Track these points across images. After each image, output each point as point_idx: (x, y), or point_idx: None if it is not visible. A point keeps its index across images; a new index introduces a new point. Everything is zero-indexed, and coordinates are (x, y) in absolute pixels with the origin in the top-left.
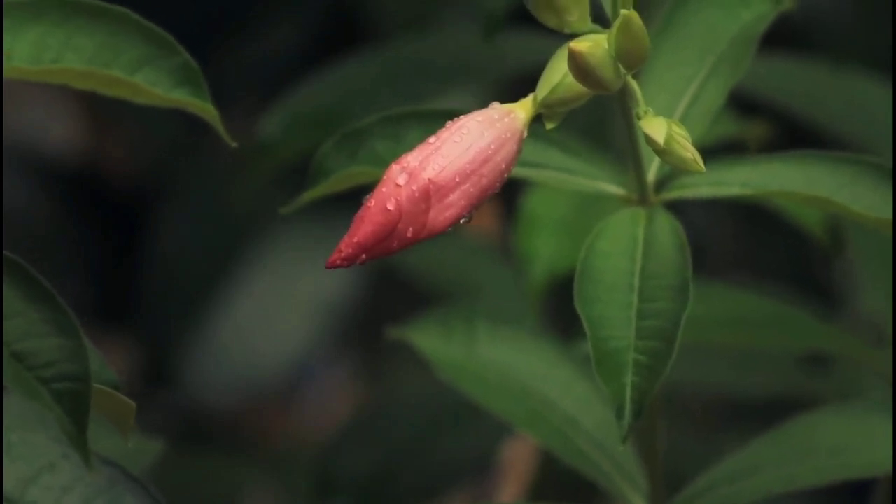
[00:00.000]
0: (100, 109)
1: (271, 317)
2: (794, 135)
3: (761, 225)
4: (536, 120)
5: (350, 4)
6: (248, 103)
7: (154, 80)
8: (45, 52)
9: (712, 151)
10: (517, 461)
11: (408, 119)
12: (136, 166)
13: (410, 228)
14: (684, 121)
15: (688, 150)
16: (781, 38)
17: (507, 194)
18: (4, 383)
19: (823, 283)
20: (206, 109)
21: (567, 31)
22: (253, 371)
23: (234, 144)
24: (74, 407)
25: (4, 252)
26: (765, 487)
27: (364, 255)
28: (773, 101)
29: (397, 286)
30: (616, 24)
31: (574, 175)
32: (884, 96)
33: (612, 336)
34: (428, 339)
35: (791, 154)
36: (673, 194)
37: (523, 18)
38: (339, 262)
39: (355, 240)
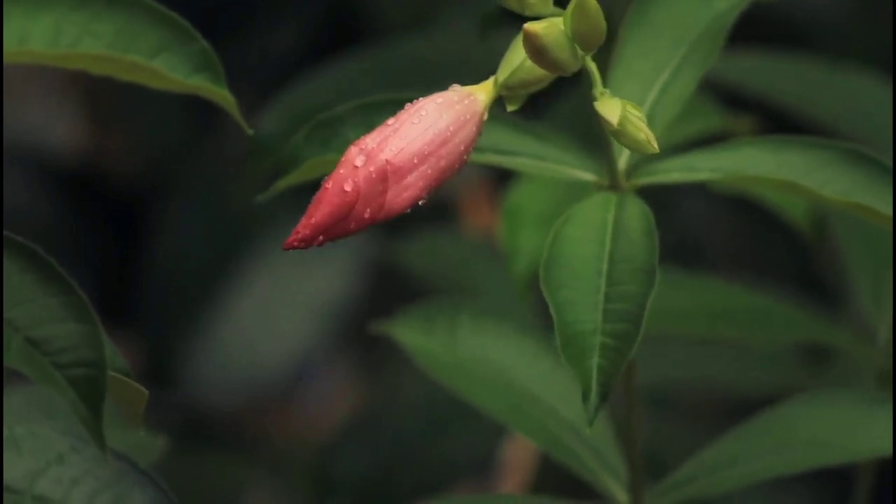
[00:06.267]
0: (101, 109)
1: (271, 317)
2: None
3: (761, 221)
4: (516, 108)
5: (350, 4)
6: (248, 102)
7: (172, 66)
8: (62, 37)
9: (697, 146)
10: (517, 460)
11: (381, 106)
12: (136, 166)
13: (368, 210)
14: (655, 109)
15: (642, 132)
16: (780, 36)
17: (504, 190)
18: (20, 370)
19: (823, 280)
20: (223, 96)
21: (528, 13)
22: (253, 371)
23: (251, 131)
24: (90, 393)
25: (19, 238)
26: (745, 477)
27: (321, 237)
28: (768, 99)
29: (397, 285)
30: (571, 4)
31: (545, 161)
32: (882, 94)
33: (579, 320)
34: (410, 333)
35: (763, 139)
36: (643, 180)
37: (520, 17)
38: (296, 243)
39: (312, 221)
